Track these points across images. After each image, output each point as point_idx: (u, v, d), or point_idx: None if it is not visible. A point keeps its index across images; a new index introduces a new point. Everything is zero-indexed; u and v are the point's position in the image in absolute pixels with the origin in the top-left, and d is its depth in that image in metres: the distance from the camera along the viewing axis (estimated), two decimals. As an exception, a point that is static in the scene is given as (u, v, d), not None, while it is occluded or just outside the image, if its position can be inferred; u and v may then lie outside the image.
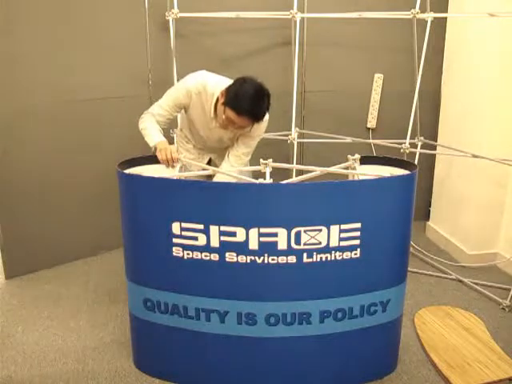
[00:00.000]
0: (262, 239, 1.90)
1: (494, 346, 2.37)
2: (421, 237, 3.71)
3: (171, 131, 3.44)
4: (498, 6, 2.84)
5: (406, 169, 2.18)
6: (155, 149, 2.35)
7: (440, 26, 3.40)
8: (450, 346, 2.37)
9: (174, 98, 2.42)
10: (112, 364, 2.32)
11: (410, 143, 3.17)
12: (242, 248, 1.92)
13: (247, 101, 2.16)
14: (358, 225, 1.93)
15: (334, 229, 1.91)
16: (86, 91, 3.14)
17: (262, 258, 1.92)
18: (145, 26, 3.27)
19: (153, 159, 2.31)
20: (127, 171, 2.11)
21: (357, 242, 1.95)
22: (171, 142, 3.38)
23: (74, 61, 3.06)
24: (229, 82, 2.31)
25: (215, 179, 2.40)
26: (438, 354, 2.33)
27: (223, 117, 2.24)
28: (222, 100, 2.24)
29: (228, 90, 2.22)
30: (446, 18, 3.42)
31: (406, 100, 3.23)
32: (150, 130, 2.39)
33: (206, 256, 1.96)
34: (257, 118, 2.22)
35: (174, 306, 2.07)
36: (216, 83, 2.34)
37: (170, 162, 2.29)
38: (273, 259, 1.93)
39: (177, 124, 3.34)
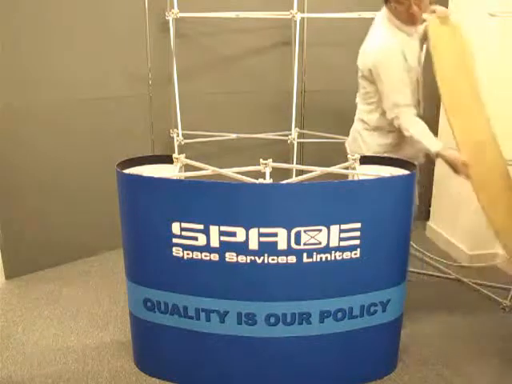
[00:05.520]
0: (261, 239, 1.90)
1: None
2: (421, 237, 3.70)
3: (171, 131, 3.44)
4: (498, 6, 2.84)
5: (405, 169, 2.18)
6: (437, 155, 2.31)
7: (440, 25, 3.39)
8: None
9: (402, 73, 2.30)
10: (112, 364, 2.32)
11: (410, 143, 3.15)
12: (242, 248, 1.92)
13: None
14: (358, 225, 1.93)
15: (334, 229, 1.91)
16: (85, 91, 3.13)
17: (261, 258, 1.92)
18: (145, 25, 3.27)
19: (152, 159, 2.31)
20: (127, 171, 2.11)
21: (357, 242, 1.95)
22: (170, 142, 3.39)
23: (74, 60, 3.05)
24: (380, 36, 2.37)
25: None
26: None
27: (414, 8, 2.23)
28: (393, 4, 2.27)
29: None
30: (446, 18, 3.42)
31: (406, 100, 3.22)
32: (427, 134, 2.31)
33: (205, 256, 1.95)
34: None
35: (173, 306, 2.07)
36: (383, 36, 2.37)
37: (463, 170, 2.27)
38: (273, 259, 1.93)
39: (176, 124, 3.34)
